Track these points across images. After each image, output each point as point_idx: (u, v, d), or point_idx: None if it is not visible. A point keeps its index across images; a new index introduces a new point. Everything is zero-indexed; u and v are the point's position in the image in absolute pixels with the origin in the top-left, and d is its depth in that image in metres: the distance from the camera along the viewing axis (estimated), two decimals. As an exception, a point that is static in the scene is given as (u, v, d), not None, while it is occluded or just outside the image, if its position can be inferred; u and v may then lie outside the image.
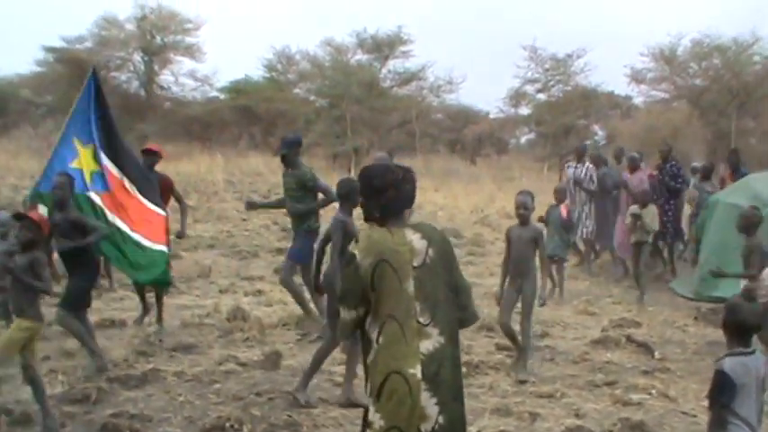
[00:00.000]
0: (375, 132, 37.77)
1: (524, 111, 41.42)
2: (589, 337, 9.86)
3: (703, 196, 13.75)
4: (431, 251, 4.13)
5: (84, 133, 8.97)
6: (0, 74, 42.83)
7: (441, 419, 4.00)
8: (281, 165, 10.26)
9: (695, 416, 7.16)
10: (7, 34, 62.06)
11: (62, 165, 8.67)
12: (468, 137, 46.39)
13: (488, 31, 71.35)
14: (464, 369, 8.00)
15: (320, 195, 9.95)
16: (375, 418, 4.01)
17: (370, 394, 4.09)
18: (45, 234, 7.30)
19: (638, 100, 41.54)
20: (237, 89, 43.80)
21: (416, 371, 3.96)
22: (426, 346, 4.02)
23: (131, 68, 42.02)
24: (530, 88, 40.15)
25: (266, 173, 30.23)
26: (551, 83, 39.61)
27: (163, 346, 9.07)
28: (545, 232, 10.39)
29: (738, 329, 4.62)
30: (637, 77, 37.46)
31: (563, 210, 12.48)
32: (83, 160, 8.86)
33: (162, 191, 9.90)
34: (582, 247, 15.37)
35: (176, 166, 31.81)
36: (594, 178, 14.86)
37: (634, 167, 14.36)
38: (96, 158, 8.95)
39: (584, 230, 14.87)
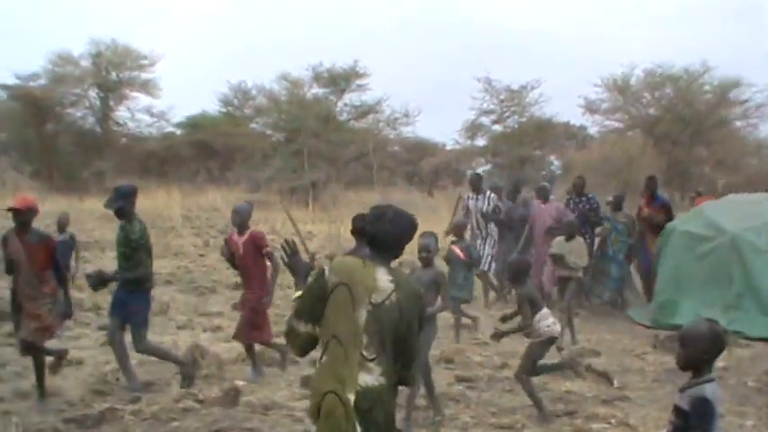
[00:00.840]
0: (332, 165, 37.85)
1: (480, 142, 41.69)
2: (549, 368, 9.87)
3: (618, 227, 13.82)
4: (394, 296, 4.12)
5: None
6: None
7: None
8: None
9: (655, 443, 7.19)
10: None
11: None
12: (425, 169, 46.63)
13: (443, 63, 72.01)
14: (424, 402, 8.04)
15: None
16: None
17: (308, 411, 4.10)
18: None
19: (593, 130, 42.10)
20: (194, 124, 43.76)
21: (351, 397, 3.95)
22: (365, 379, 4.00)
23: (87, 105, 41.74)
24: (485, 120, 40.51)
25: (224, 208, 30.08)
26: (506, 114, 39.97)
27: (120, 385, 8.95)
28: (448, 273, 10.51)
29: (717, 355, 4.60)
30: (591, 108, 37.95)
31: (457, 250, 11.42)
32: None
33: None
34: (495, 281, 14.94)
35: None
36: (501, 207, 14.56)
37: (546, 198, 14.26)
38: None
39: (492, 265, 14.55)
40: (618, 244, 13.80)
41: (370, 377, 4.02)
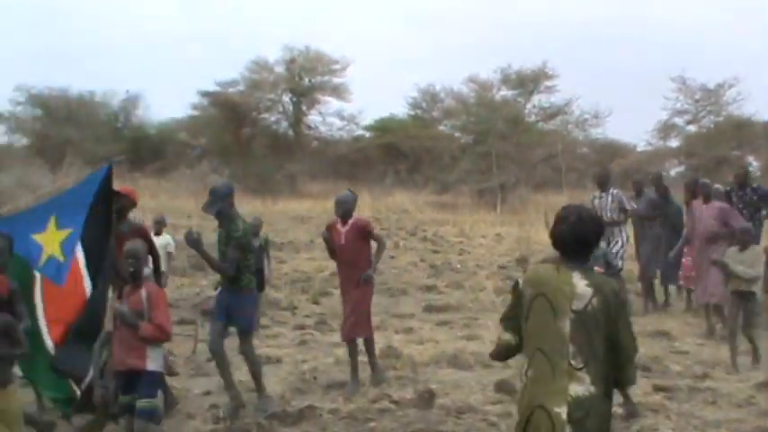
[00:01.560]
0: (521, 168, 37.55)
1: (674, 143, 40.45)
2: (753, 380, 9.39)
3: None
4: (595, 300, 4.04)
5: (66, 216, 7.71)
6: (159, 119, 44.83)
7: None
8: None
9: None
10: (167, 82, 64.88)
11: (23, 230, 7.50)
12: (616, 170, 45.59)
13: (634, 63, 70.12)
14: (621, 411, 7.85)
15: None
16: None
17: (515, 427, 4.08)
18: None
19: (796, 129, 39.98)
20: (383, 127, 44.42)
21: (562, 410, 3.91)
22: (576, 389, 3.95)
23: (280, 109, 43.22)
24: (679, 120, 39.28)
25: (412, 210, 30.43)
26: (702, 114, 38.64)
27: (317, 384, 9.19)
28: None
29: None
30: (794, 105, 36.10)
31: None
32: (48, 239, 7.67)
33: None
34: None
35: (325, 203, 32.45)
36: (627, 204, 13.24)
37: (707, 197, 12.38)
38: (64, 247, 7.67)
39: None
40: None
41: (581, 387, 3.97)
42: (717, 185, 13.08)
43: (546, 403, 3.93)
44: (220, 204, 8.30)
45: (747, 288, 9.98)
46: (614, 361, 4.10)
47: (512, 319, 4.19)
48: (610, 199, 13.11)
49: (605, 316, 4.04)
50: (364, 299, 9.19)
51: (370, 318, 9.35)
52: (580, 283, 4.07)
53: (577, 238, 4.19)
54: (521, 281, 4.19)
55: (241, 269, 8.23)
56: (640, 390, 8.83)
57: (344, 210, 9.26)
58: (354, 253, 9.16)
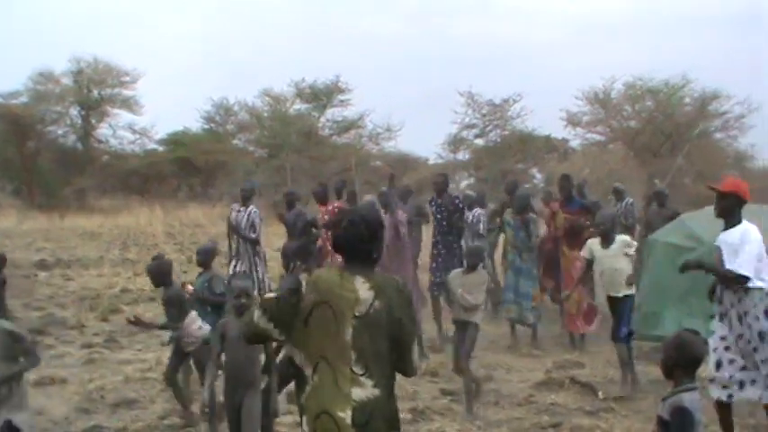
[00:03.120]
0: (315, 181, 37.79)
1: (463, 156, 41.79)
2: (533, 380, 9.90)
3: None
4: (377, 302, 4.09)
5: None
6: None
7: None
8: None
9: (640, 454, 7.22)
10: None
11: None
12: (409, 183, 46.63)
13: (424, 78, 72.12)
14: (410, 415, 8.06)
15: None
16: None
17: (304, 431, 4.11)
18: None
19: (574, 143, 42.12)
20: (176, 141, 43.71)
21: (346, 415, 3.96)
22: (359, 393, 4.01)
23: (68, 122, 41.78)
24: (468, 134, 40.60)
25: (206, 224, 30.09)
26: (489, 128, 40.12)
27: (105, 402, 8.93)
28: None
29: (691, 364, 4.65)
30: (573, 120, 38.00)
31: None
32: None
33: None
34: None
35: (115, 219, 31.63)
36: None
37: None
38: None
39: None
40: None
41: (363, 391, 4.01)
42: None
43: (331, 409, 3.96)
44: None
45: (467, 317, 8.67)
46: (396, 354, 4.19)
47: (281, 314, 4.10)
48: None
49: (388, 316, 4.10)
50: None
51: None
52: (362, 288, 4.10)
53: (352, 242, 4.21)
54: (303, 284, 4.16)
55: None
56: (428, 394, 9.13)
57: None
58: None
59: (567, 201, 12.66)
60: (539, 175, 43.16)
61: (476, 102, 39.33)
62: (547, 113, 58.42)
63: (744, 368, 6.73)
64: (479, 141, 40.64)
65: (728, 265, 6.66)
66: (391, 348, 4.15)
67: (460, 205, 12.59)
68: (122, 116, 42.57)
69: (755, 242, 6.66)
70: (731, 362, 6.77)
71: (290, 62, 75.44)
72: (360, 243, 4.22)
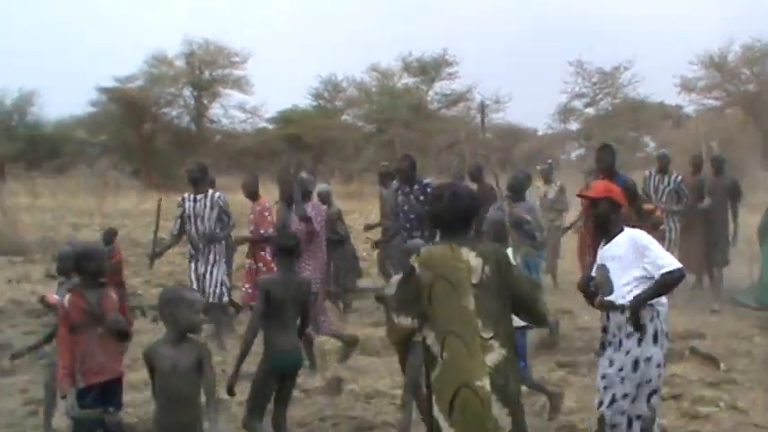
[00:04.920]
0: (424, 155, 37.84)
1: (573, 126, 41.28)
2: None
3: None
4: (486, 268, 4.21)
5: None
6: (56, 116, 43.83)
7: (514, 430, 4.10)
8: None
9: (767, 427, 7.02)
10: (63, 77, 63.35)
11: None
12: (518, 155, 46.30)
13: (532, 48, 71.19)
14: (524, 387, 8.01)
15: None
16: None
17: (440, 410, 4.12)
18: None
19: (689, 109, 41.19)
20: (286, 119, 44.27)
21: (484, 383, 4.03)
22: (492, 358, 4.09)
23: (182, 103, 42.75)
24: (578, 103, 40.13)
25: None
26: (599, 96, 39.52)
27: (226, 374, 9.10)
28: None
29: None
30: (687, 86, 37.14)
31: None
32: None
33: None
34: None
35: (229, 196, 32.15)
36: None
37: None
38: None
39: None
40: None
41: (494, 355, 4.11)
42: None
43: (469, 381, 4.03)
44: None
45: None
46: (523, 308, 4.39)
47: (409, 303, 4.24)
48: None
49: (499, 278, 4.23)
50: None
51: None
52: (471, 257, 4.22)
53: (456, 214, 4.34)
54: (416, 265, 4.24)
55: None
56: (544, 366, 9.06)
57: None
58: None
59: (609, 178, 8.65)
60: (651, 143, 42.30)
61: (585, 70, 38.85)
62: (660, 80, 57.14)
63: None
64: (590, 110, 40.04)
65: (617, 282, 5.59)
66: (514, 304, 4.30)
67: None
68: (233, 96, 43.35)
69: (654, 242, 5.64)
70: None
71: (397, 35, 75.39)
72: (464, 215, 4.36)
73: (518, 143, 46.14)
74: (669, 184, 12.79)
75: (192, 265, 10.53)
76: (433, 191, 4.46)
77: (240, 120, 44.21)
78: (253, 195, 11.00)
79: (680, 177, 12.85)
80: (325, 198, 11.87)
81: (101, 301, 5.90)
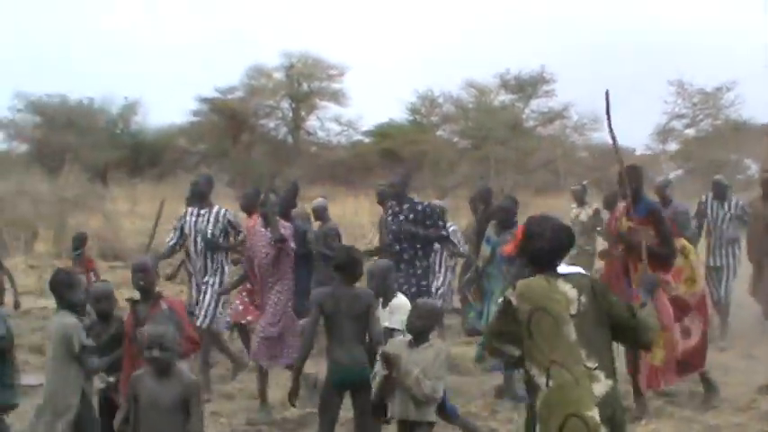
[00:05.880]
0: (519, 172, 37.62)
1: (672, 146, 40.52)
2: (755, 383, 9.33)
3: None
4: (583, 298, 4.24)
5: None
6: (158, 125, 44.80)
7: None
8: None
9: None
10: (166, 87, 64.78)
11: None
12: (614, 174, 45.59)
13: (631, 67, 70.09)
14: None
15: None
16: None
17: None
18: None
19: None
20: (381, 132, 44.41)
21: (594, 413, 4.06)
22: (599, 389, 4.12)
23: (279, 115, 43.28)
24: (677, 123, 39.34)
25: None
26: (699, 117, 38.71)
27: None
28: None
29: None
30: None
31: None
32: None
33: None
34: None
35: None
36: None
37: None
38: None
39: None
40: None
41: (600, 386, 4.14)
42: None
43: (578, 410, 4.07)
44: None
45: (419, 417, 5.90)
46: (628, 334, 4.41)
47: (506, 335, 4.30)
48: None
49: (596, 308, 4.26)
50: None
51: None
52: (567, 288, 4.27)
53: (557, 250, 4.43)
54: (513, 298, 4.30)
55: None
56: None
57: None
58: None
59: (634, 201, 8.44)
60: (754, 166, 41.24)
61: (686, 90, 38.03)
62: (766, 101, 55.63)
63: None
64: (689, 131, 39.25)
65: None
66: (615, 334, 4.35)
67: (428, 212, 9.37)
68: (330, 108, 43.72)
69: None
70: None
71: (492, 51, 75.04)
72: (561, 251, 4.45)
73: (614, 163, 45.45)
74: (729, 209, 12.34)
75: (193, 281, 10.34)
76: (529, 226, 4.46)
77: (336, 132, 44.56)
78: (249, 210, 10.34)
79: (740, 202, 12.43)
80: (320, 213, 11.84)
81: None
